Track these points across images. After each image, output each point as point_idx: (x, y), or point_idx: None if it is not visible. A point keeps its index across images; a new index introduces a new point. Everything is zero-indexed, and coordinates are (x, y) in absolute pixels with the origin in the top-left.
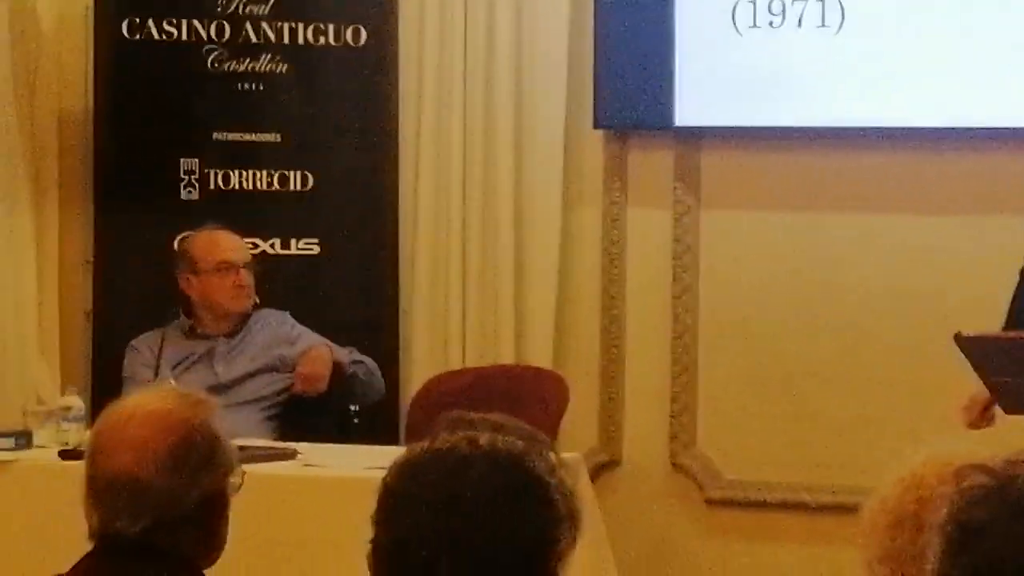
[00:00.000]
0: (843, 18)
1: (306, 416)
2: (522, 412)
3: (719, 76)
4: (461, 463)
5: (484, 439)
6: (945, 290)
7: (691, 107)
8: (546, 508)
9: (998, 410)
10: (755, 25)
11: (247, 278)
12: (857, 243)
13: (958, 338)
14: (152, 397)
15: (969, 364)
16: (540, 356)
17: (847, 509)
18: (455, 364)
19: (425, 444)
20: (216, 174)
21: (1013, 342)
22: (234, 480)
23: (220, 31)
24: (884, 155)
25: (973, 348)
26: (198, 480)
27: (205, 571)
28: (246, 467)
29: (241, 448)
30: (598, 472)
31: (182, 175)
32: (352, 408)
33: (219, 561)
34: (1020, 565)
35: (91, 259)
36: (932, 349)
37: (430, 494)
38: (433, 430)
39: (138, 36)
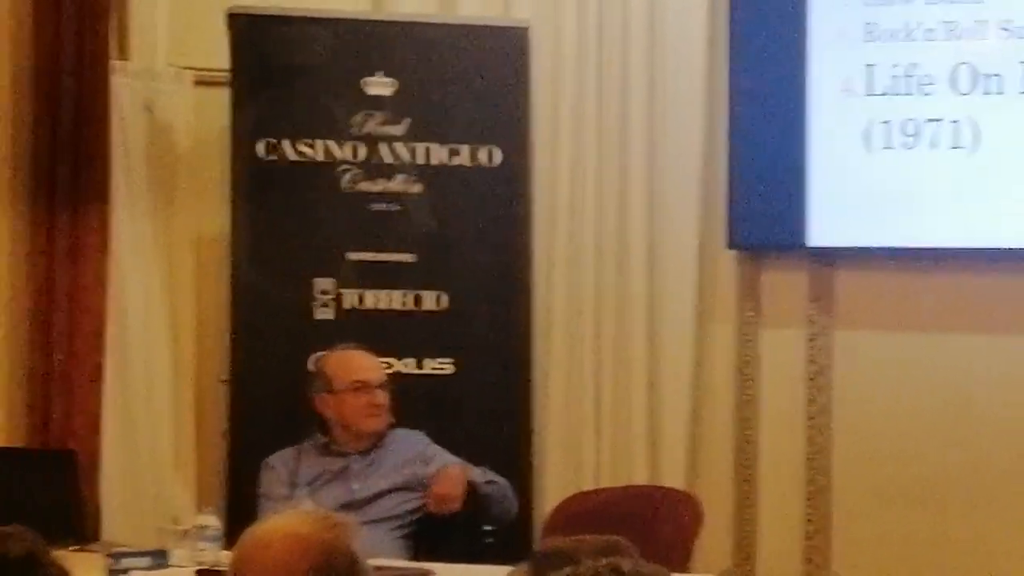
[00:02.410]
0: (976, 139)
1: (439, 536)
2: (655, 533)
3: (852, 196)
4: None
5: (627, 565)
6: None
7: (824, 227)
8: None
9: None
10: (889, 146)
11: (382, 397)
12: (992, 364)
13: None
14: (292, 519)
15: None
16: (673, 476)
17: None
18: (588, 484)
19: (568, 570)
20: (351, 294)
21: None
22: None
23: (355, 152)
24: (1019, 276)
25: None
26: None
27: None
28: None
29: (378, 569)
30: None
31: (317, 295)
32: (485, 528)
33: None
34: None
35: (226, 378)
36: None
37: None
38: (533, 556)
39: (273, 157)
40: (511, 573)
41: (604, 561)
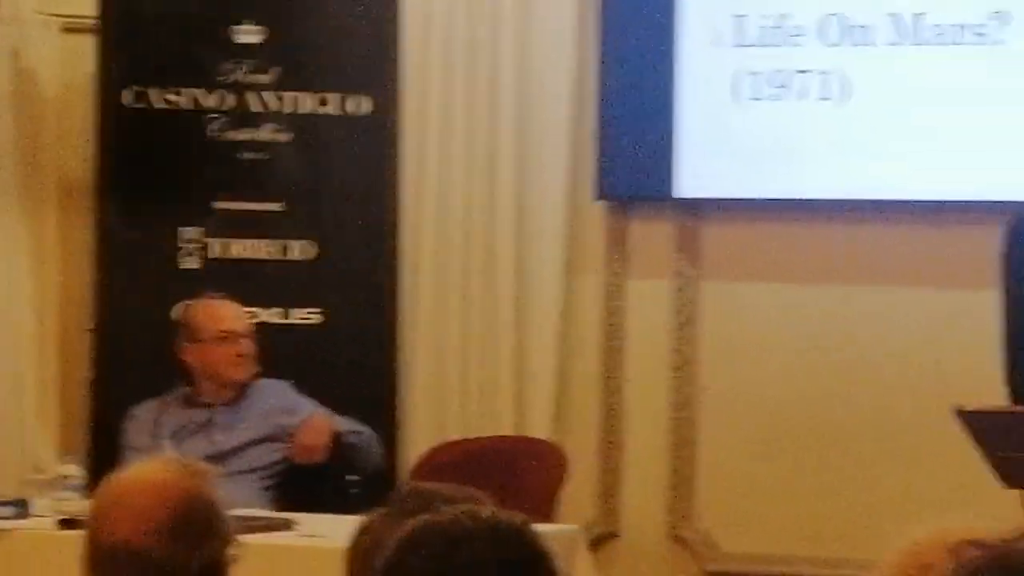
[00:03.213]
0: (845, 90)
1: (304, 486)
2: (520, 483)
3: (720, 147)
4: (464, 536)
5: (485, 512)
6: (947, 363)
7: (692, 178)
8: None
9: None
10: (757, 97)
11: (247, 347)
12: (858, 315)
13: (959, 412)
14: (152, 467)
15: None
16: (539, 427)
17: None
18: (454, 435)
19: (426, 517)
20: (217, 243)
21: (1014, 416)
22: (232, 551)
23: (222, 100)
24: (885, 227)
25: (974, 422)
26: (197, 550)
27: None
28: (243, 537)
29: (239, 518)
30: (596, 544)
31: (183, 244)
32: (350, 478)
33: None
34: None
35: (91, 327)
36: (934, 422)
37: (433, 567)
38: (390, 502)
39: (140, 105)
40: (367, 517)
41: (462, 508)
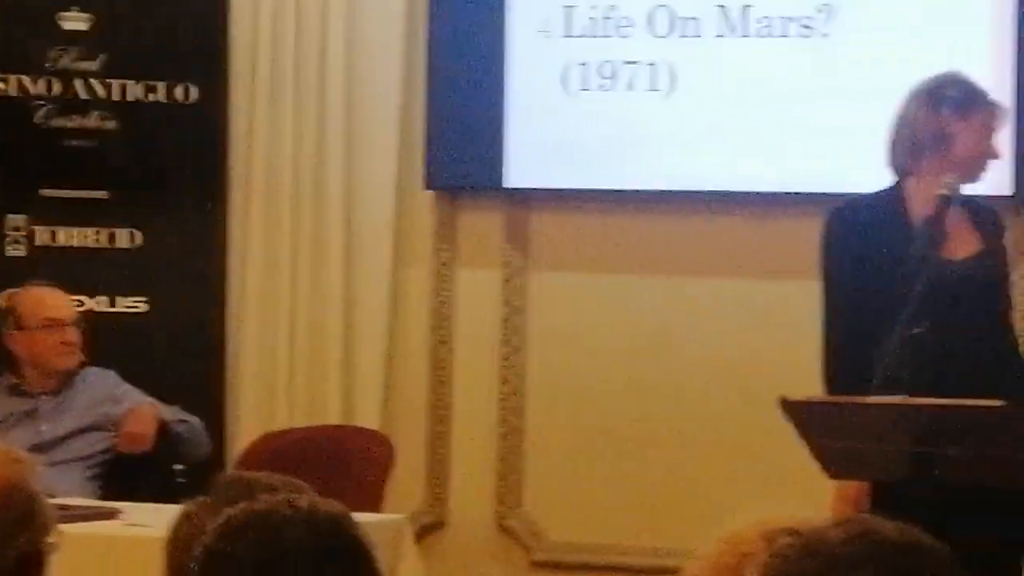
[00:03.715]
0: (672, 82)
1: (131, 475)
2: (347, 473)
3: (550, 138)
4: (282, 524)
5: (304, 501)
6: (772, 354)
7: (522, 169)
8: (366, 568)
9: None
10: (586, 88)
11: (73, 335)
12: (685, 306)
13: (783, 403)
14: None
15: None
16: (367, 417)
17: (672, 572)
18: (282, 424)
19: (244, 505)
20: (44, 231)
21: (838, 407)
22: (51, 540)
23: (49, 87)
24: (711, 218)
25: (798, 413)
26: (14, 539)
27: None
28: (66, 527)
29: (61, 508)
30: (424, 534)
31: (9, 231)
32: (177, 468)
33: None
34: None
35: None
36: (757, 413)
37: (252, 555)
38: (211, 490)
39: None
40: (187, 506)
41: (281, 496)
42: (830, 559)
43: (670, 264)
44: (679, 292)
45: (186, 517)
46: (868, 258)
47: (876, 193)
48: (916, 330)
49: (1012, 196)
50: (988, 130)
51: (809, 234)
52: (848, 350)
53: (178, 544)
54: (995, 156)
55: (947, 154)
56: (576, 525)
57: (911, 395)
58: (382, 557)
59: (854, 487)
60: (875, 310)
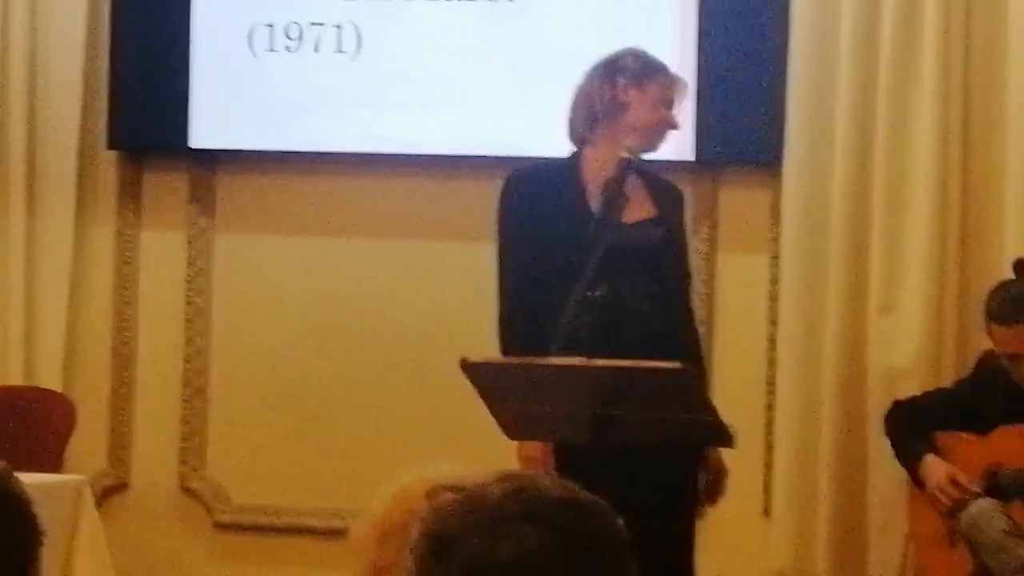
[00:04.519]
0: (358, 44)
1: None
2: (28, 434)
3: (237, 99)
4: None
5: None
6: (455, 315)
7: (208, 130)
8: (28, 525)
9: None
10: (273, 49)
11: None
12: (369, 268)
13: (464, 364)
14: None
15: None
16: (49, 378)
17: None
18: None
19: None
20: None
21: (518, 367)
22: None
23: None
24: (396, 181)
25: (479, 374)
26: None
27: None
28: None
29: None
30: (106, 495)
31: None
32: None
33: None
34: (488, 569)
35: None
36: (441, 375)
37: None
38: None
39: None
40: None
41: None
42: (490, 514)
43: (355, 226)
44: (364, 254)
45: None
46: (542, 225)
47: (553, 160)
48: (594, 292)
49: (695, 161)
50: (664, 100)
51: (491, 197)
52: (520, 319)
53: None
54: (673, 126)
55: (622, 122)
56: (259, 487)
57: (591, 357)
58: (60, 516)
59: (536, 447)
60: (550, 276)
